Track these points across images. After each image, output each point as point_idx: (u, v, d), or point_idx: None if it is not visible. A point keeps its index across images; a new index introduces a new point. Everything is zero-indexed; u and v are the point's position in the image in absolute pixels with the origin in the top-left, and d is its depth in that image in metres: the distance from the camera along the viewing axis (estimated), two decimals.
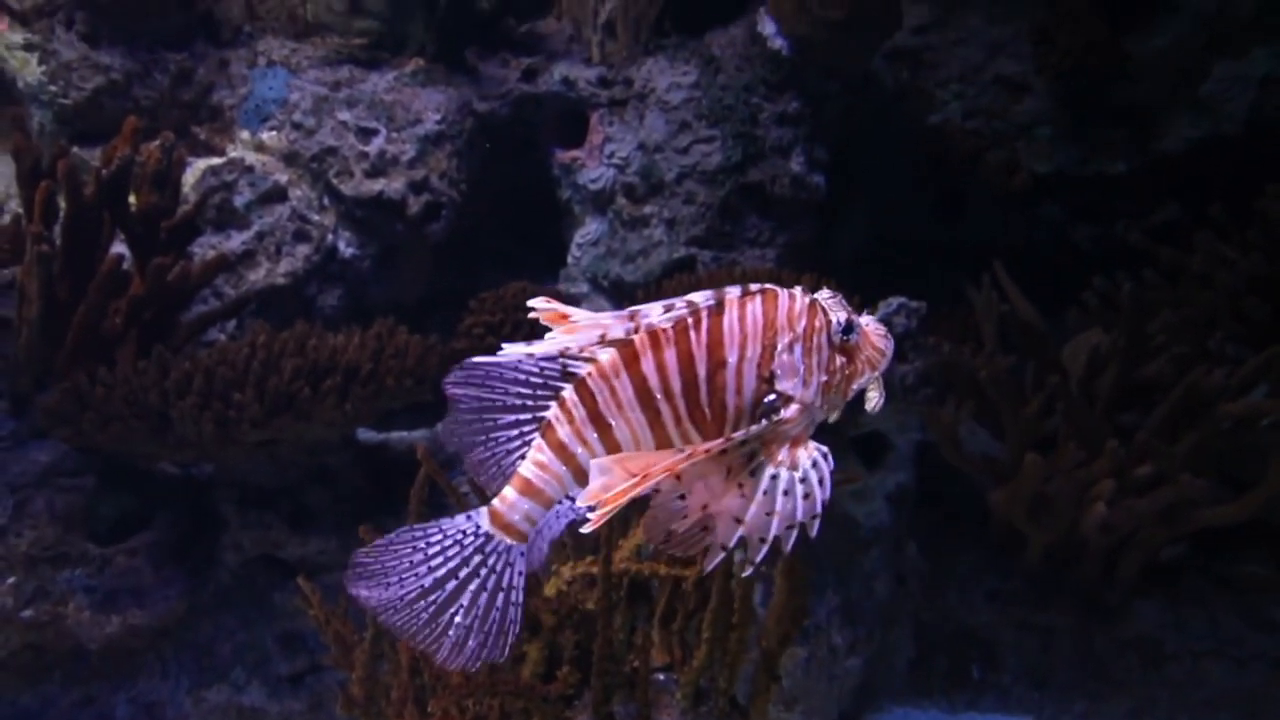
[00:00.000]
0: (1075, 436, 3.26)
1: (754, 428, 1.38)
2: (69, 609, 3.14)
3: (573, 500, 1.46)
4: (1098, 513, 3.20)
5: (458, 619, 1.47)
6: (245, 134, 3.89)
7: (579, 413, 1.41)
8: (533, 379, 1.44)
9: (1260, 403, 3.33)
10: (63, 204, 3.14)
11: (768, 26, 3.67)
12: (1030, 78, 4.22)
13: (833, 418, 1.44)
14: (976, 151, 4.23)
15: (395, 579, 1.48)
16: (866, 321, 1.45)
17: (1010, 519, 3.43)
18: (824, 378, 1.41)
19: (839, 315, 1.42)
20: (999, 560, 3.70)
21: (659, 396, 1.40)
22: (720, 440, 1.36)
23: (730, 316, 1.40)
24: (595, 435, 1.42)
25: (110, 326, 3.16)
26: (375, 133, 3.74)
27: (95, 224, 3.15)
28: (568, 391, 1.41)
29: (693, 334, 1.39)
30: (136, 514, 3.38)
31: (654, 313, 1.38)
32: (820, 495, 1.38)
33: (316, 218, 3.76)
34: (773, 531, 1.37)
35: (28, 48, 3.94)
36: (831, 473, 1.39)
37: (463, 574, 1.47)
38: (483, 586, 1.47)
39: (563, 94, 3.84)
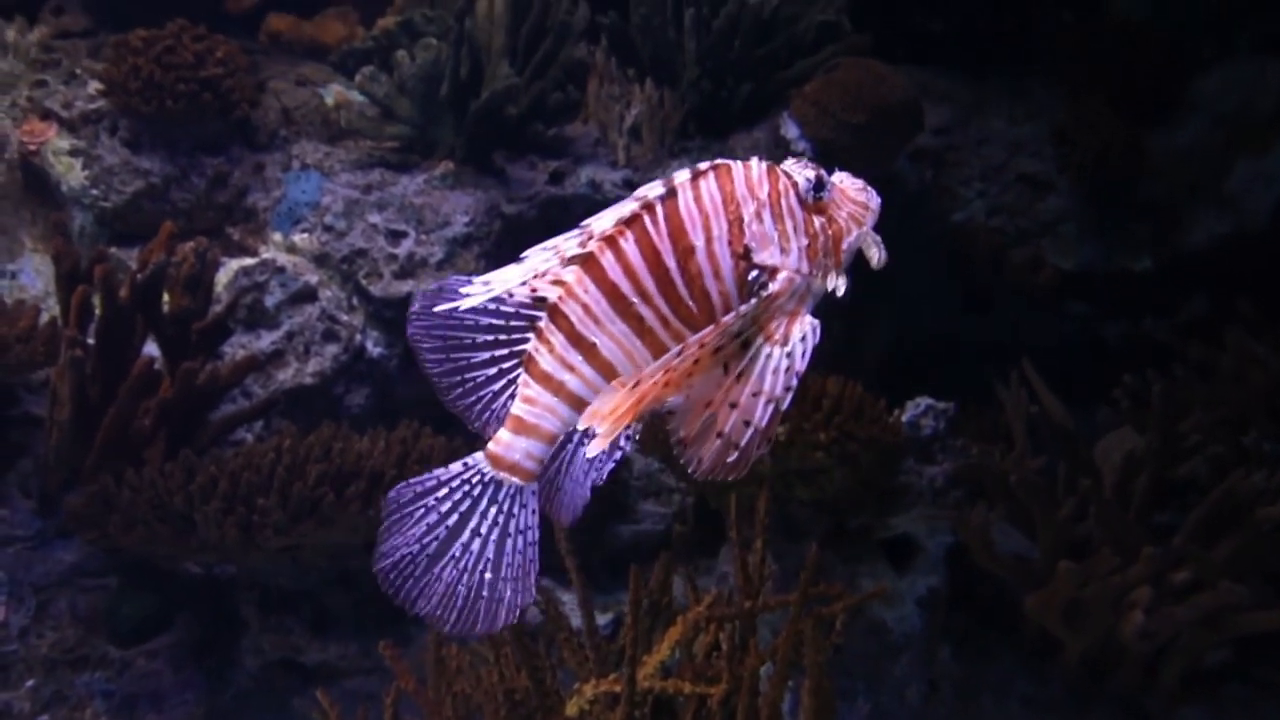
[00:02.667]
0: (1110, 541, 3.19)
1: (743, 307, 1.30)
2: (86, 715, 3.10)
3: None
4: (1135, 621, 3.12)
5: (487, 575, 1.40)
6: (278, 236, 3.98)
7: (557, 339, 1.34)
8: (503, 310, 1.36)
9: None
10: (98, 306, 3.20)
11: (791, 130, 3.74)
12: (1052, 176, 4.25)
13: (837, 288, 1.37)
14: (1001, 249, 4.24)
15: (424, 561, 1.41)
16: (840, 178, 1.38)
17: (1045, 624, 3.34)
18: (804, 241, 1.34)
19: (805, 174, 1.35)
20: (1034, 665, 3.59)
21: (635, 301, 1.32)
22: (709, 329, 1.28)
23: (685, 199, 1.32)
24: (580, 358, 1.34)
25: (139, 427, 3.19)
26: (404, 235, 3.80)
27: (128, 326, 3.21)
28: (543, 320, 1.35)
29: (651, 227, 1.31)
30: (158, 614, 3.37)
31: (605, 218, 1.31)
32: (797, 367, 1.31)
33: (345, 318, 3.80)
34: (758, 414, 1.29)
35: (73, 153, 4.07)
36: (816, 346, 1.32)
37: (483, 527, 1.40)
38: (504, 532, 1.41)
39: (589, 196, 3.90)
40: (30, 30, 4.38)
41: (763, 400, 1.30)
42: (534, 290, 1.33)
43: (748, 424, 1.30)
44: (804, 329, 1.34)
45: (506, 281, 1.30)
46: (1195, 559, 3.13)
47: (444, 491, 1.41)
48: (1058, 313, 4.37)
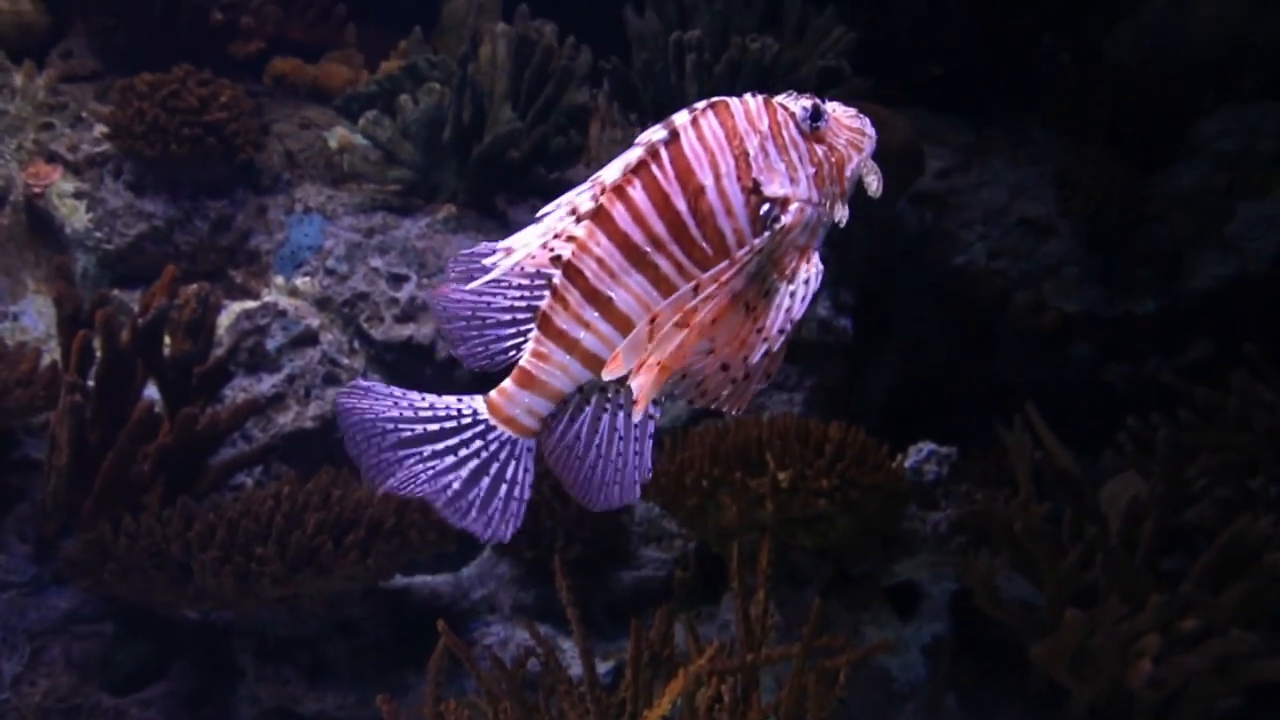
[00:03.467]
0: (1117, 589, 3.15)
1: (757, 242, 1.28)
2: None
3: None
4: (1144, 669, 3.07)
5: (456, 486, 1.40)
6: (280, 279, 3.98)
7: (572, 295, 1.33)
8: (523, 272, 1.36)
9: None
10: (99, 349, 3.20)
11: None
12: (1054, 219, 4.26)
13: (841, 219, 1.35)
14: (1004, 292, 4.24)
15: (401, 466, 1.41)
16: (833, 107, 1.37)
17: (1052, 673, 3.29)
18: (810, 170, 1.32)
19: (801, 104, 1.34)
20: (1041, 714, 3.53)
21: (649, 250, 1.30)
22: (725, 265, 1.27)
23: (688, 139, 1.30)
24: (596, 314, 1.33)
25: (138, 472, 3.17)
26: (406, 279, 3.81)
27: (129, 371, 3.20)
28: (557, 276, 1.33)
29: (656, 171, 1.30)
30: (153, 661, 3.33)
31: (613, 168, 1.30)
32: (798, 309, 1.30)
33: (346, 361, 3.80)
34: (756, 353, 1.29)
35: (77, 196, 4.10)
36: (818, 290, 1.31)
37: (462, 453, 1.40)
38: (483, 470, 1.40)
39: None
40: (38, 74, 4.42)
41: (760, 340, 1.30)
42: (550, 249, 1.32)
43: (746, 360, 1.30)
44: (809, 272, 1.32)
45: (526, 245, 1.30)
46: (1204, 606, 3.08)
47: (428, 413, 1.41)
48: (1061, 355, 4.35)
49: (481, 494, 1.41)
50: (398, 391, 1.43)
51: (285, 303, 3.87)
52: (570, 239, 1.31)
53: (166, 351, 3.33)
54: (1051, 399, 3.93)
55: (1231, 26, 4.60)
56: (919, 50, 4.63)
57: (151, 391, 3.36)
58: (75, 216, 4.08)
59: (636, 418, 1.35)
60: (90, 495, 3.13)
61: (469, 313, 1.39)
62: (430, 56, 4.18)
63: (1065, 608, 3.07)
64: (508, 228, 3.92)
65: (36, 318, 4.04)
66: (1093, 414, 4.08)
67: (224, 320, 3.83)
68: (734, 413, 1.36)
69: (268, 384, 3.74)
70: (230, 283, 4.09)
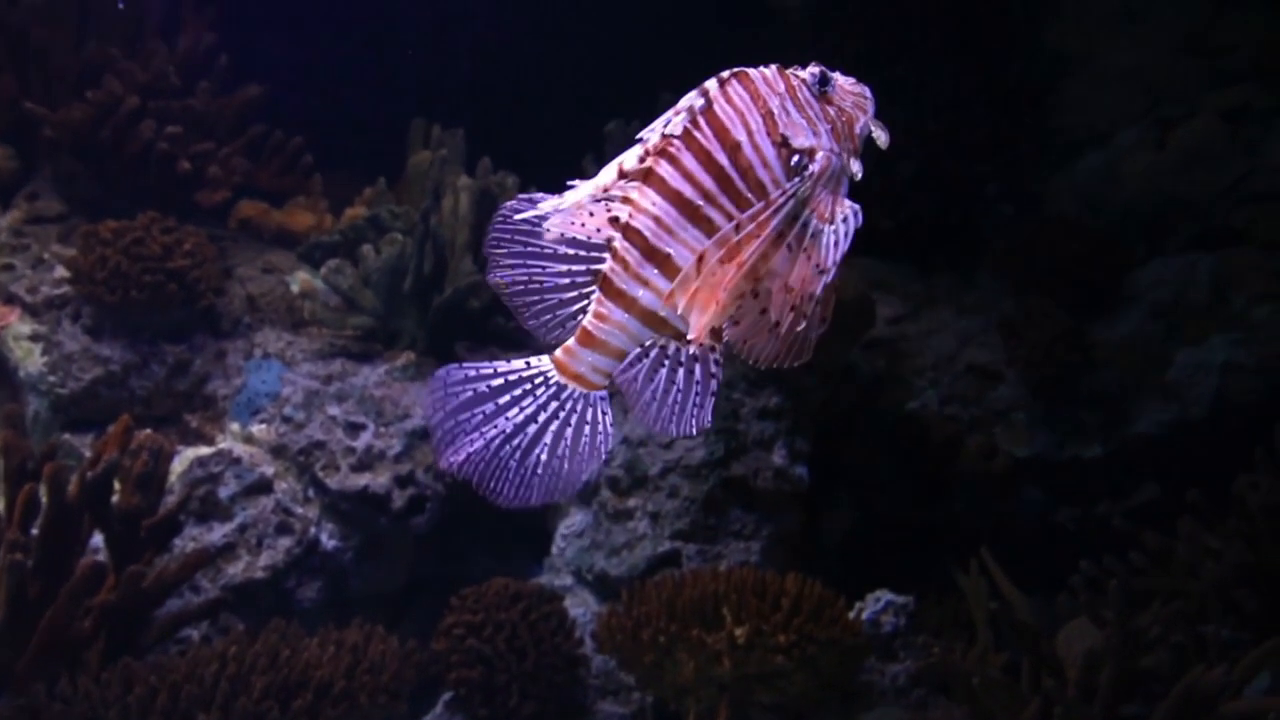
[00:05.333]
0: None
1: (789, 185, 1.41)
2: None
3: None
4: None
5: (543, 458, 1.48)
6: (235, 425, 3.96)
7: (632, 255, 1.42)
8: (580, 238, 1.45)
9: (1263, 701, 3.23)
10: (45, 500, 3.13)
11: None
12: (1001, 366, 4.38)
13: (856, 173, 1.46)
14: (956, 437, 4.31)
15: (476, 433, 1.48)
16: (837, 75, 1.50)
17: None
18: (827, 125, 1.46)
19: (810, 70, 1.48)
20: None
21: (701, 204, 1.41)
22: (761, 205, 1.39)
23: (720, 104, 1.42)
24: (655, 271, 1.42)
25: (79, 630, 3.07)
26: (363, 427, 3.81)
27: (75, 524, 3.14)
28: (616, 239, 1.42)
29: (697, 133, 1.41)
30: None
31: (655, 130, 1.42)
32: (844, 244, 1.41)
33: (300, 510, 3.76)
34: (818, 285, 1.40)
35: (33, 338, 4.07)
36: (858, 227, 1.43)
37: (541, 418, 1.48)
38: (565, 424, 1.49)
39: None
40: (3, 214, 4.45)
41: (815, 271, 1.41)
42: (609, 211, 1.43)
43: (811, 296, 1.41)
44: (846, 211, 1.44)
45: (578, 196, 1.41)
46: None
47: (500, 383, 1.50)
48: (1013, 499, 4.41)
49: (569, 443, 1.50)
50: (469, 368, 1.53)
51: (240, 450, 3.84)
52: (625, 201, 1.42)
53: (116, 498, 3.27)
54: (1005, 541, 3.97)
55: (1159, 184, 4.85)
56: (869, 204, 4.82)
57: (98, 539, 3.28)
58: (29, 359, 4.05)
59: (694, 350, 1.44)
60: (26, 654, 3.02)
61: (525, 279, 1.49)
62: (393, 208, 4.28)
63: None
64: None
65: None
66: (1046, 555, 4.11)
67: (177, 467, 3.78)
68: (795, 363, 1.47)
69: (219, 533, 3.67)
70: (185, 428, 4.05)
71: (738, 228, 1.38)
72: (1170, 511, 3.80)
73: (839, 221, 1.44)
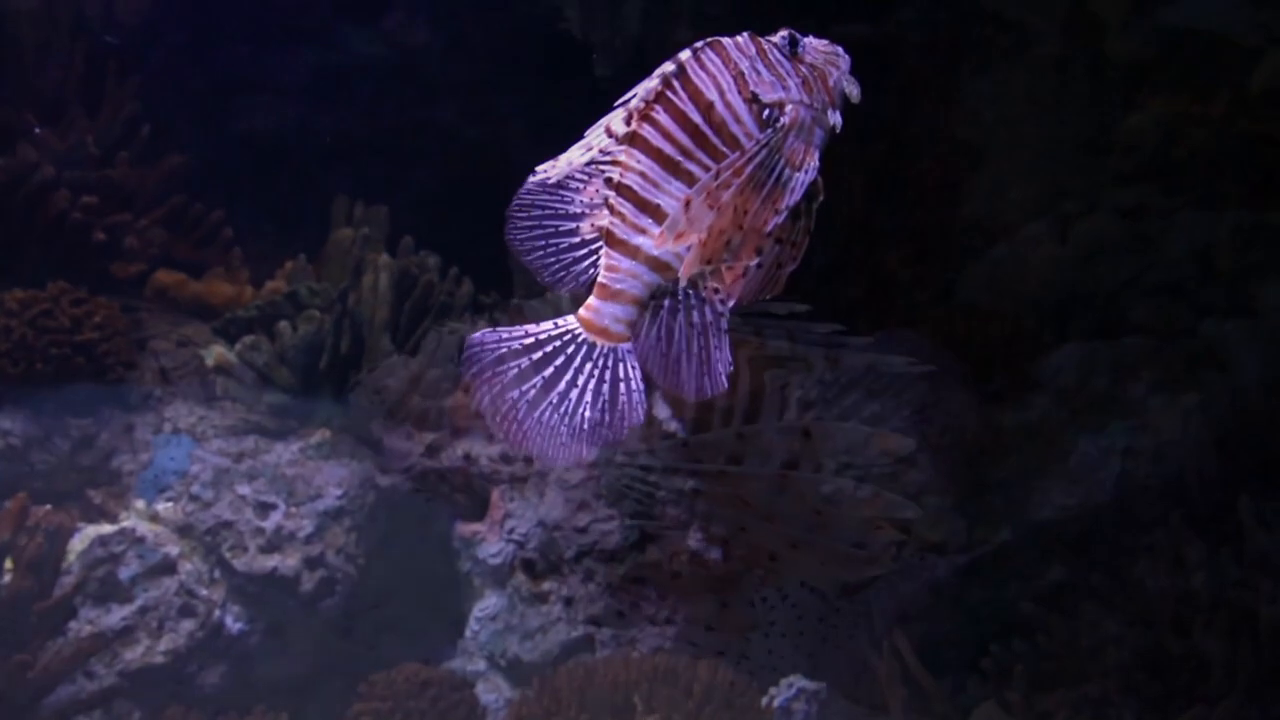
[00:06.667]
0: None
1: (762, 135, 1.59)
2: None
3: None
4: None
5: (585, 413, 1.62)
6: (140, 503, 3.85)
7: (627, 208, 1.61)
8: (581, 198, 1.64)
9: None
10: None
11: (662, 410, 3.87)
12: (913, 451, 4.46)
13: (836, 124, 1.62)
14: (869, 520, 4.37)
15: (516, 390, 1.61)
16: (808, 37, 1.67)
17: None
18: (798, 80, 1.62)
19: (780, 35, 1.65)
20: None
21: (680, 159, 1.59)
22: (737, 154, 1.57)
23: (692, 69, 1.61)
24: (649, 220, 1.61)
25: None
26: (274, 507, 3.74)
27: None
28: (610, 196, 1.62)
29: (673, 96, 1.60)
30: None
31: (636, 96, 1.60)
32: (798, 191, 1.58)
33: (205, 592, 3.65)
34: (771, 223, 1.57)
35: None
36: (815, 177, 1.60)
37: (579, 379, 1.62)
38: (601, 380, 1.62)
39: (465, 469, 3.92)
40: None
41: (774, 215, 1.59)
42: (603, 174, 1.63)
43: (767, 233, 1.58)
44: (810, 163, 1.62)
45: (570, 159, 1.60)
46: None
47: (532, 341, 1.64)
48: (927, 581, 4.47)
49: (606, 399, 1.64)
50: (503, 331, 1.68)
51: (144, 529, 3.73)
52: (614, 163, 1.62)
53: (7, 580, 3.15)
54: (919, 622, 4.02)
55: (1064, 274, 5.06)
56: (788, 285, 4.93)
57: None
58: None
59: (683, 282, 1.62)
60: None
61: (543, 243, 1.67)
62: (312, 285, 4.26)
63: None
64: (381, 456, 3.91)
65: None
66: (960, 638, 4.18)
67: (76, 544, 3.66)
68: (769, 296, 1.68)
69: (117, 616, 3.55)
70: (88, 503, 3.93)
71: (716, 176, 1.56)
72: (1079, 593, 3.90)
73: (805, 170, 1.62)
